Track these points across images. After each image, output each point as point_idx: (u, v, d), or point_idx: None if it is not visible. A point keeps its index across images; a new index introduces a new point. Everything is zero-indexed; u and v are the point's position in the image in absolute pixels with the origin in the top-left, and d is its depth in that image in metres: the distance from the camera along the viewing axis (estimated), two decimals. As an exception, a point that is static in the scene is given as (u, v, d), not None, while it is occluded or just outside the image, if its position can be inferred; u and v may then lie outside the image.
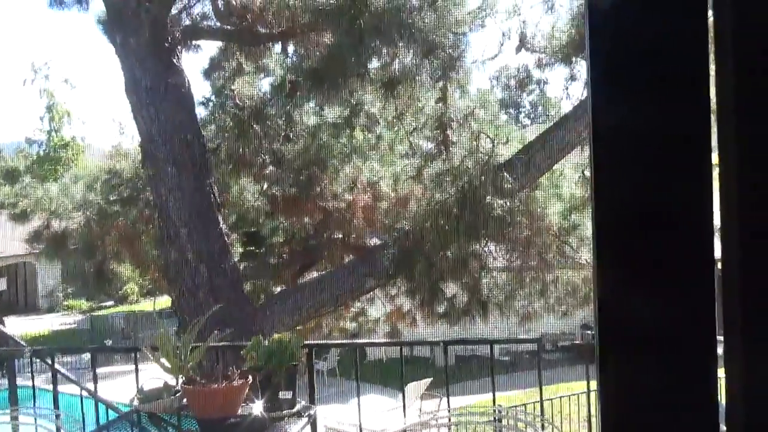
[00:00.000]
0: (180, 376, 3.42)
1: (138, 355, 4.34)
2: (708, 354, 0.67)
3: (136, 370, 4.23)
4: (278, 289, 11.03)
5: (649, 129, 0.68)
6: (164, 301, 19.27)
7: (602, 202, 0.70)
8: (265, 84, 11.58)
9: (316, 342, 6.27)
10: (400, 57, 7.25)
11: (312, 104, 10.49)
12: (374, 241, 10.27)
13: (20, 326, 22.82)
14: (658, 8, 0.68)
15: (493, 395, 3.90)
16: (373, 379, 14.18)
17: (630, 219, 0.69)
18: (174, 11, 9.28)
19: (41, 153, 35.46)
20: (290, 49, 11.30)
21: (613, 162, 0.70)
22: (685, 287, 0.68)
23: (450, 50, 7.57)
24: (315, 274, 10.85)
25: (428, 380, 11.39)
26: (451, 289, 8.56)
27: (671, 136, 0.68)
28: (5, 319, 21.67)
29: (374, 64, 7.67)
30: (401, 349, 4.59)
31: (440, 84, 8.12)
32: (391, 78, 7.71)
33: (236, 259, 9.70)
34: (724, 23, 0.66)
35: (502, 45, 9.39)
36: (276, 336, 3.70)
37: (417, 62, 7.35)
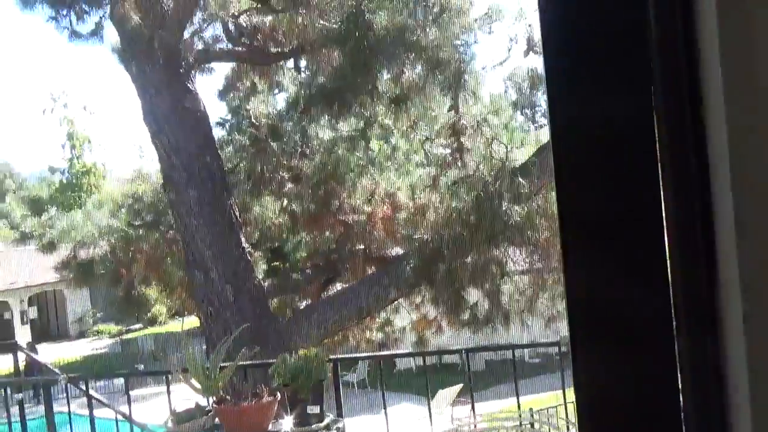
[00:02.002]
0: (211, 396, 3.51)
1: (170, 377, 4.45)
2: (667, 342, 0.74)
3: (168, 392, 4.33)
4: (303, 303, 11.13)
5: (604, 133, 0.75)
6: (192, 321, 19.47)
7: (564, 203, 0.77)
8: (279, 100, 11.74)
9: (341, 356, 6.33)
10: (408, 74, 7.33)
11: (327, 118, 10.59)
12: (396, 251, 10.33)
13: (53, 353, 23.15)
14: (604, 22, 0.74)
15: (517, 400, 3.95)
16: (404, 388, 14.19)
17: (591, 220, 0.76)
18: (186, 35, 9.46)
19: (64, 180, 36.03)
20: (302, 63, 11.46)
21: (573, 168, 0.77)
22: (642, 280, 0.75)
23: (457, 62, 7.64)
24: (339, 286, 10.94)
25: (459, 386, 11.40)
26: (473, 296, 8.59)
27: (624, 139, 0.75)
28: (37, 346, 22.00)
29: (383, 80, 7.74)
30: (424, 359, 4.66)
31: (451, 92, 8.18)
32: (400, 93, 7.79)
33: (260, 277, 9.82)
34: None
35: (510, 50, 9.43)
36: (301, 352, 3.78)
37: (425, 76, 7.42)
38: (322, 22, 7.47)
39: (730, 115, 0.65)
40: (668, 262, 0.74)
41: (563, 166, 0.77)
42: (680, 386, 0.74)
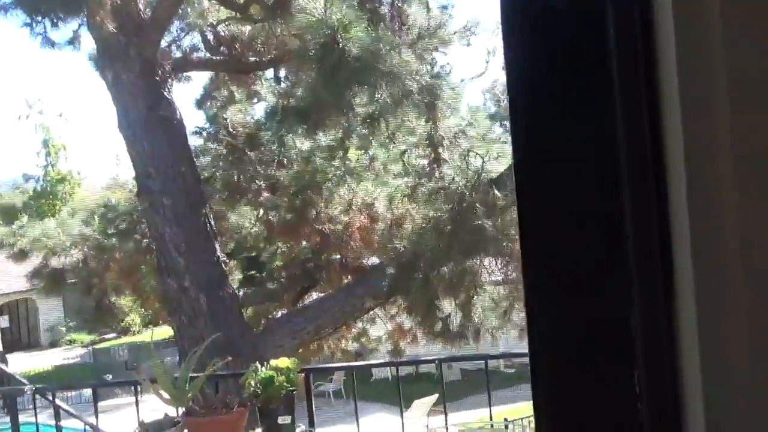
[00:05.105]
0: (180, 406, 3.47)
1: (139, 388, 4.40)
2: (627, 359, 0.75)
3: (137, 403, 4.28)
4: (279, 313, 11.09)
5: (566, 143, 0.76)
6: (167, 331, 19.30)
7: (525, 215, 0.78)
8: (258, 110, 11.73)
9: (313, 366, 6.34)
10: (384, 94, 7.34)
11: (304, 127, 10.58)
12: (372, 260, 10.34)
13: (24, 363, 22.79)
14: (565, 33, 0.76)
15: (489, 409, 3.97)
16: (380, 398, 14.16)
17: (552, 232, 0.77)
18: (163, 44, 9.42)
19: (38, 188, 35.59)
20: (281, 73, 11.46)
21: (535, 179, 0.78)
22: (603, 297, 0.76)
23: (435, 75, 7.69)
24: (315, 296, 10.91)
25: (434, 396, 11.41)
26: (447, 306, 8.60)
27: (585, 148, 0.76)
28: (8, 356, 21.67)
29: (358, 99, 7.75)
30: (398, 369, 4.66)
31: (428, 104, 8.22)
32: (374, 111, 7.81)
33: (236, 286, 9.77)
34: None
35: (488, 62, 9.51)
36: (273, 362, 3.76)
37: (401, 95, 7.43)
38: (298, 42, 7.48)
39: (686, 133, 0.66)
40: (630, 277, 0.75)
41: (525, 185, 0.79)
42: (639, 405, 0.75)
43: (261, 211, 10.78)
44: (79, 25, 9.57)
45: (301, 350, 9.12)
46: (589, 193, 0.76)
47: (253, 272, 12.11)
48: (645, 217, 0.73)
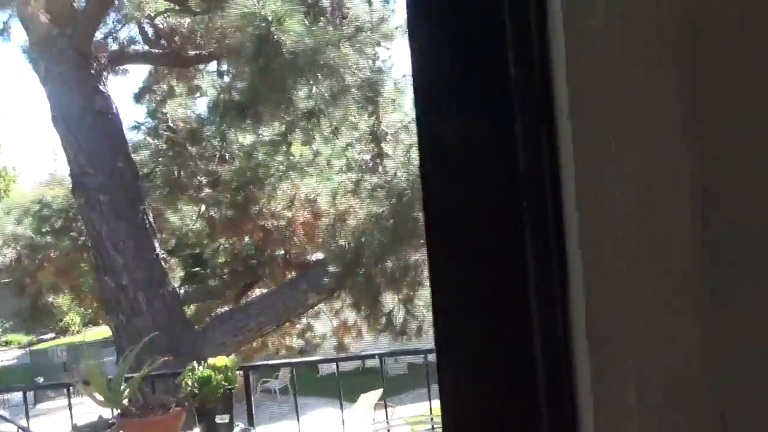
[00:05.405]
0: (115, 408, 3.41)
1: (72, 390, 4.30)
2: (527, 356, 0.77)
3: (69, 405, 4.19)
4: (222, 310, 10.95)
5: (465, 134, 0.78)
6: (106, 330, 18.85)
7: (431, 209, 0.79)
8: (199, 104, 11.53)
9: (252, 364, 6.29)
10: (323, 89, 7.29)
11: (248, 122, 10.45)
12: (316, 256, 10.29)
13: (-44, 366, 21.99)
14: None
15: (430, 404, 4.01)
16: (327, 393, 14.16)
17: (455, 234, 0.78)
18: (99, 36, 9.18)
19: (-30, 185, 34.30)
20: (223, 67, 11.29)
21: (439, 167, 0.79)
22: (504, 297, 0.78)
23: (376, 71, 7.68)
24: (258, 292, 10.81)
25: (380, 390, 11.46)
26: (390, 303, 8.63)
27: (485, 147, 0.77)
28: (-60, 359, 20.88)
29: (298, 94, 7.67)
30: (337, 365, 4.67)
31: (370, 100, 8.22)
32: (314, 107, 7.77)
33: (177, 284, 9.61)
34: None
35: (429, 57, 9.52)
36: (210, 361, 3.72)
37: (340, 90, 7.39)
38: (236, 33, 7.38)
39: (576, 134, 0.68)
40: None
41: (430, 178, 0.79)
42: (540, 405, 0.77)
43: (202, 207, 10.61)
44: (10, 16, 9.27)
45: (243, 348, 9.03)
46: (489, 191, 0.77)
47: (195, 269, 11.92)
48: (541, 213, 0.75)
